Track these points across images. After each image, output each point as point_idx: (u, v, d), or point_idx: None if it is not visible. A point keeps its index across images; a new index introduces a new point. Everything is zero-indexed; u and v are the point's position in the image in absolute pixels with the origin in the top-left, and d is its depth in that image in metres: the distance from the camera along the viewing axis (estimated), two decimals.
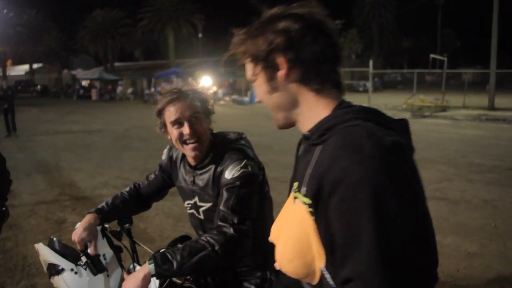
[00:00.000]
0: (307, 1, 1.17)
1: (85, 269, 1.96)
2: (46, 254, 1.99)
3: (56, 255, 1.98)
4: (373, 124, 1.04)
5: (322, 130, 1.10)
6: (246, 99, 29.83)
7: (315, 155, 1.08)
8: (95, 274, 1.95)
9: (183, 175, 2.09)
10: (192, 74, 35.22)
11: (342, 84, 1.18)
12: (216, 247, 1.70)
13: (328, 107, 1.14)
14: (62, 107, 28.94)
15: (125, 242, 2.21)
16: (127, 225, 2.14)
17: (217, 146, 1.97)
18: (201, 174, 1.98)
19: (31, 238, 5.19)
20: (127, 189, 2.29)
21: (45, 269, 2.02)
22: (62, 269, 1.92)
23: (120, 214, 2.19)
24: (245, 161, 1.86)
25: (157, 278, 1.71)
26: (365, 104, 1.18)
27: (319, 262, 1.04)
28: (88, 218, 2.04)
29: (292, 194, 1.23)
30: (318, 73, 1.14)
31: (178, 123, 1.90)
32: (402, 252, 0.90)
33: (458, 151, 10.73)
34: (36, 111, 24.42)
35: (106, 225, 2.14)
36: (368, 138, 0.97)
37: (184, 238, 2.13)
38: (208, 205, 1.99)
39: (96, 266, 1.96)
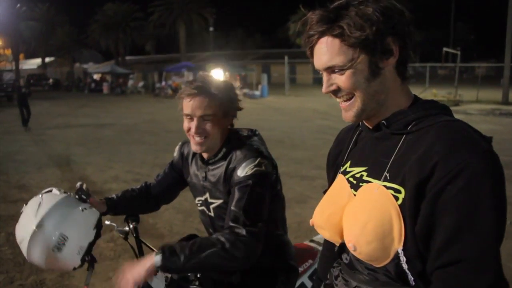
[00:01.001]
0: None
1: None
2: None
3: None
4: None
5: (407, 120, 1.14)
6: (257, 93, 29.73)
7: (401, 144, 1.12)
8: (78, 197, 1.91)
9: (195, 171, 2.04)
10: (203, 67, 35.27)
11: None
12: (227, 245, 1.65)
13: (409, 99, 1.19)
14: (74, 101, 29.08)
15: (131, 241, 2.16)
16: (134, 223, 2.09)
17: (230, 142, 1.91)
18: (213, 169, 1.93)
19: None
20: (138, 186, 2.25)
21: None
22: (50, 190, 1.87)
23: (128, 209, 2.14)
24: (258, 159, 1.80)
25: (162, 271, 1.65)
26: None
27: (398, 244, 1.08)
28: (94, 200, 1.98)
29: (343, 178, 1.28)
30: (407, 62, 1.17)
31: (189, 116, 1.86)
32: (502, 238, 1.01)
33: None
34: (48, 105, 24.57)
35: (108, 222, 2.08)
36: (476, 132, 1.06)
37: (192, 237, 2.08)
38: (219, 202, 1.93)
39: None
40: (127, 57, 58.50)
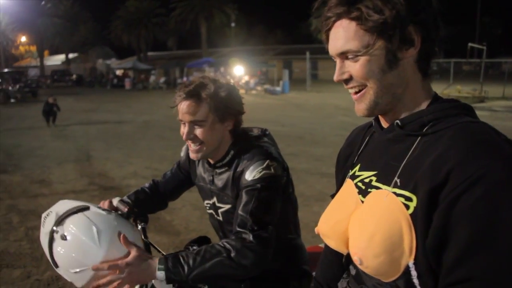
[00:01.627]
0: None
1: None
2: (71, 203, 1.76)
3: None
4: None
5: (423, 121, 1.03)
6: (278, 89, 29.60)
7: (415, 146, 1.01)
8: (124, 216, 1.77)
9: (202, 173, 1.97)
10: (225, 63, 35.32)
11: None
12: (232, 254, 1.56)
13: (428, 97, 1.08)
14: (96, 97, 29.41)
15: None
16: (142, 224, 2.03)
17: (238, 143, 1.82)
18: (220, 173, 1.85)
19: None
20: (147, 185, 2.18)
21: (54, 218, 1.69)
22: (87, 207, 1.69)
23: (141, 210, 2.09)
24: (267, 161, 1.70)
25: (166, 283, 1.59)
26: None
27: (408, 257, 0.97)
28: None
29: (351, 183, 1.18)
30: (430, 58, 1.06)
31: (182, 122, 1.78)
32: None
33: None
34: (71, 100, 24.88)
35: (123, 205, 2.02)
36: (499, 135, 0.95)
37: (202, 239, 2.01)
38: (227, 206, 1.85)
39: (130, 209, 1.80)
40: (149, 53, 59.00)
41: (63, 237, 1.59)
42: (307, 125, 13.88)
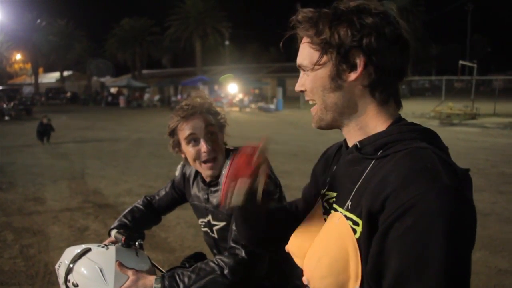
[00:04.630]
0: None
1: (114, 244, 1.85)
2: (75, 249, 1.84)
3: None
4: (438, 148, 0.99)
5: (379, 144, 1.02)
6: (272, 106, 29.76)
7: (368, 170, 1.01)
8: (124, 246, 1.83)
9: (196, 193, 2.02)
10: (219, 81, 35.48)
11: (401, 100, 1.12)
12: (225, 271, 1.63)
13: (387, 121, 1.07)
14: (91, 114, 29.42)
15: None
16: (139, 240, 2.08)
17: None
18: (215, 191, 1.91)
19: (54, 245, 5.22)
20: (141, 202, 2.24)
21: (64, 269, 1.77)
22: (89, 249, 1.77)
23: (140, 229, 2.14)
24: None
25: None
26: None
27: (354, 283, 0.97)
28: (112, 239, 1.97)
29: (320, 202, 1.18)
30: (390, 84, 1.06)
31: (193, 140, 1.84)
32: (463, 285, 0.87)
33: (488, 160, 10.43)
34: (65, 118, 24.87)
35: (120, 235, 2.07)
36: (443, 165, 0.92)
37: (198, 256, 2.06)
38: (222, 224, 1.91)
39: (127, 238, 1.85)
40: (144, 71, 59.16)
41: (75, 285, 1.68)
42: (300, 142, 13.96)
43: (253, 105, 32.74)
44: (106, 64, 55.64)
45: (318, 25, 1.04)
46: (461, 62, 25.14)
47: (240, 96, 33.89)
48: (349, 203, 1.01)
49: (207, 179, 1.95)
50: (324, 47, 1.04)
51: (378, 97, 1.05)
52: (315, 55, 1.06)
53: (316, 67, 1.06)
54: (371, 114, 1.07)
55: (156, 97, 40.67)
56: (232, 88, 34.18)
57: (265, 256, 1.70)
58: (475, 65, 25.76)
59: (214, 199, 1.91)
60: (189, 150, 1.85)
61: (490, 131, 17.07)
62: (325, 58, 1.05)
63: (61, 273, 1.75)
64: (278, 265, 1.91)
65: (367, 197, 0.94)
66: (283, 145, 12.78)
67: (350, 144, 1.13)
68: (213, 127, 1.84)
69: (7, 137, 16.77)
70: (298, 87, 1.15)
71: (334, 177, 1.18)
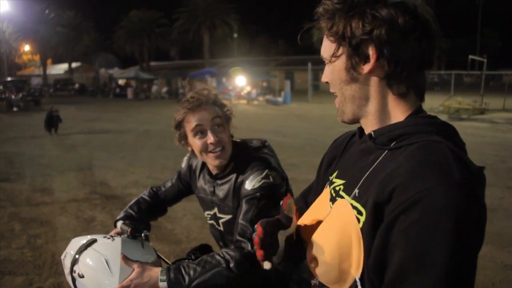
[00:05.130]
0: None
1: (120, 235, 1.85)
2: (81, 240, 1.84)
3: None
4: (453, 144, 0.96)
5: (393, 135, 1.01)
6: (280, 99, 29.69)
7: (379, 160, 1.00)
8: (130, 237, 1.82)
9: (203, 185, 2.01)
10: (227, 73, 35.47)
11: (424, 91, 1.08)
12: (231, 264, 1.62)
13: (405, 113, 1.05)
14: (99, 106, 29.53)
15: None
16: (145, 231, 2.07)
17: (238, 155, 1.87)
18: (221, 184, 1.90)
19: (61, 235, 5.24)
20: (147, 193, 2.24)
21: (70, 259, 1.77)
22: (95, 240, 1.77)
23: (146, 220, 2.13)
24: (266, 171, 1.76)
25: None
26: None
27: (355, 272, 0.96)
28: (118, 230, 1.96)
29: (328, 189, 1.17)
30: (408, 77, 1.02)
31: (200, 132, 1.82)
32: (466, 285, 0.85)
33: (497, 156, 10.35)
34: (73, 110, 24.99)
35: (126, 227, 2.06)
36: (456, 160, 0.90)
37: (204, 248, 2.05)
38: (228, 217, 1.90)
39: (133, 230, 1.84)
40: (152, 63, 59.23)
41: (81, 276, 1.69)
42: (308, 135, 13.92)
43: (260, 98, 32.66)
44: (112, 58, 55.80)
45: (335, 18, 1.04)
46: (471, 56, 24.89)
47: (248, 88, 33.83)
48: (356, 191, 1.00)
49: (214, 171, 1.93)
50: (338, 40, 1.04)
51: (396, 89, 1.03)
52: (332, 47, 1.06)
53: (333, 59, 1.07)
54: (389, 106, 1.06)
55: (164, 89, 40.70)
56: (240, 81, 34.13)
57: None
58: (485, 60, 25.52)
59: (220, 192, 1.90)
60: (196, 142, 1.84)
61: (499, 126, 16.93)
62: (340, 50, 1.05)
63: (66, 263, 1.75)
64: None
65: (375, 187, 0.94)
66: (290, 138, 12.76)
67: (366, 133, 1.13)
68: (220, 119, 1.83)
69: (15, 128, 16.89)
70: (323, 79, 1.16)
71: (343, 165, 1.19)
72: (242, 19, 54.21)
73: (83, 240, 1.78)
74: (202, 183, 2.02)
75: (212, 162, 1.87)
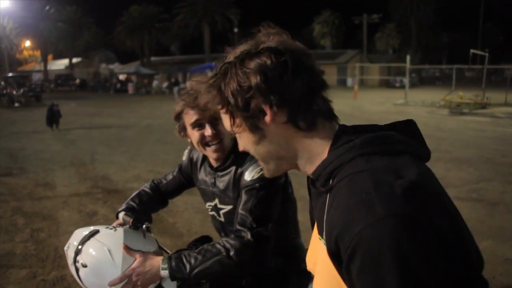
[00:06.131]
0: (269, 28, 1.05)
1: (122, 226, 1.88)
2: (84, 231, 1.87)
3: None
4: (380, 160, 0.91)
5: (326, 175, 0.97)
6: None
7: (327, 206, 0.94)
8: (132, 228, 1.85)
9: (204, 177, 2.04)
10: None
11: (333, 110, 1.05)
12: (231, 252, 1.65)
13: (327, 143, 1.00)
14: (100, 101, 29.54)
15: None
16: (146, 223, 2.11)
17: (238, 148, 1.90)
18: (222, 176, 1.93)
19: (63, 229, 5.28)
20: (148, 186, 2.26)
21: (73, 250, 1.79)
22: (98, 231, 1.79)
23: (147, 212, 2.17)
24: None
25: (171, 280, 1.69)
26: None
27: None
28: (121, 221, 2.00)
29: (316, 230, 1.11)
30: (307, 109, 0.99)
31: (198, 125, 1.85)
32: None
33: (498, 150, 10.35)
34: (74, 105, 25.02)
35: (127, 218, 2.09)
36: (376, 190, 0.84)
37: (204, 239, 2.09)
38: (229, 207, 1.93)
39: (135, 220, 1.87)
40: (152, 58, 59.16)
41: (84, 265, 1.72)
42: None
43: None
44: (112, 55, 55.75)
45: (213, 92, 1.03)
46: (472, 51, 24.85)
47: None
48: (324, 235, 0.94)
49: (214, 164, 1.96)
50: (228, 110, 1.03)
51: (303, 125, 0.99)
52: (227, 118, 1.05)
53: (236, 129, 1.05)
54: (307, 144, 1.02)
55: (165, 84, 40.67)
56: None
57: (270, 238, 1.72)
58: (486, 54, 25.47)
59: (221, 184, 1.92)
60: (194, 134, 1.86)
61: (500, 120, 16.92)
62: (236, 118, 1.03)
63: (70, 254, 1.78)
64: (284, 249, 1.93)
65: (328, 232, 0.91)
66: None
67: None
68: (217, 112, 1.84)
69: (17, 123, 16.93)
70: (241, 149, 1.13)
71: (313, 206, 1.14)
72: (242, 13, 54.14)
73: (85, 231, 1.81)
74: (203, 175, 2.05)
75: (210, 155, 1.90)
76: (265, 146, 1.04)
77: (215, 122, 1.83)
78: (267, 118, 0.99)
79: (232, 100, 0.99)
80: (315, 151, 1.02)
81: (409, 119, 1.06)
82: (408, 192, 0.83)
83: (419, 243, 0.79)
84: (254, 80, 0.96)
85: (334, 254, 0.88)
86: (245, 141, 1.08)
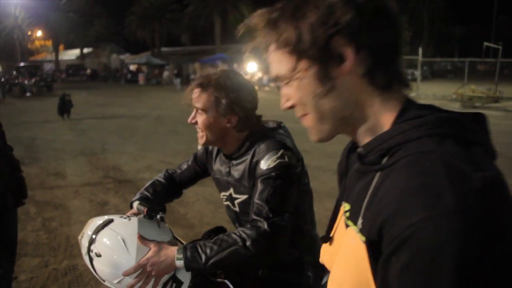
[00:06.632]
0: None
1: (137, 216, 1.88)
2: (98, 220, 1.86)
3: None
4: (454, 145, 0.76)
5: (382, 149, 0.83)
6: None
7: (374, 183, 0.82)
8: (146, 217, 1.84)
9: (219, 166, 2.02)
10: (238, 59, 35.36)
11: (407, 80, 0.89)
12: (248, 243, 1.62)
13: (393, 113, 0.86)
14: (110, 91, 29.62)
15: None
16: (160, 213, 2.09)
17: (254, 135, 1.87)
18: (236, 164, 1.90)
19: (75, 219, 5.31)
20: (162, 175, 2.25)
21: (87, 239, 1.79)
22: (112, 220, 1.78)
23: (161, 202, 2.15)
24: (282, 151, 1.75)
25: (186, 271, 1.68)
26: (412, 94, 0.90)
27: None
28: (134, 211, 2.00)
29: (342, 211, 0.99)
30: (388, 65, 0.85)
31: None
32: None
33: (511, 144, 10.24)
34: (85, 95, 25.10)
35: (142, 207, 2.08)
36: (448, 177, 0.69)
37: (218, 230, 2.07)
38: (244, 197, 1.90)
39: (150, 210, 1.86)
40: (163, 49, 59.17)
41: (98, 255, 1.71)
42: None
43: (272, 84, 32.53)
44: (121, 49, 55.95)
45: (280, 25, 0.86)
46: (486, 44, 24.54)
47: (259, 75, 33.71)
48: (360, 221, 0.83)
49: (227, 151, 1.95)
50: (297, 48, 0.85)
51: (380, 83, 0.85)
52: (289, 61, 0.87)
53: (297, 74, 0.87)
54: (375, 108, 0.87)
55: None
56: (251, 67, 34.01)
57: (287, 228, 1.70)
58: (500, 47, 25.13)
59: (236, 172, 1.90)
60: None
61: None
62: (303, 60, 0.86)
63: (84, 243, 1.78)
64: (299, 240, 1.91)
65: (368, 215, 0.80)
66: (300, 123, 12.68)
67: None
68: (205, 110, 1.81)
69: (28, 112, 17.04)
70: (284, 104, 0.94)
71: (347, 186, 0.99)
72: (253, 5, 53.83)
73: (99, 220, 1.80)
74: (218, 164, 2.03)
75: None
76: (331, 101, 0.87)
77: (199, 112, 1.83)
78: (345, 65, 0.83)
79: (306, 37, 0.83)
80: (380, 119, 0.87)
81: (479, 112, 0.87)
82: (488, 188, 0.69)
83: (490, 253, 0.65)
84: (344, 15, 0.80)
85: (373, 243, 0.76)
86: (304, 92, 0.88)
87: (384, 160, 0.82)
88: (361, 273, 0.80)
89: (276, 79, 0.93)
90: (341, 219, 0.99)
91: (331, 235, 1.04)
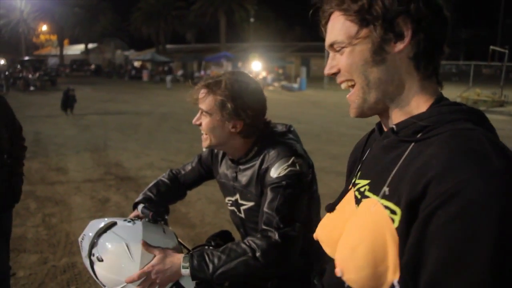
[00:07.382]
0: None
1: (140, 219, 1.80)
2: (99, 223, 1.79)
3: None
4: (486, 130, 0.88)
5: (418, 126, 0.92)
6: (295, 85, 29.50)
7: (406, 154, 0.90)
8: (151, 222, 1.77)
9: (225, 170, 1.94)
10: (243, 58, 35.33)
11: (441, 79, 1.01)
12: (258, 253, 1.55)
13: (429, 100, 0.96)
14: (114, 87, 29.59)
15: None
16: (166, 217, 2.03)
17: (262, 140, 1.79)
18: (244, 170, 1.82)
19: (75, 215, 5.27)
20: (166, 176, 2.18)
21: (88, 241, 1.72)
22: (115, 223, 1.71)
23: (165, 203, 2.09)
24: (293, 158, 1.67)
25: (192, 280, 1.61)
26: None
27: (393, 275, 0.87)
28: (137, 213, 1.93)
29: (352, 191, 1.08)
30: (433, 58, 0.96)
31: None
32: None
33: None
34: (89, 90, 25.09)
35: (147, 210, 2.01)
36: (493, 147, 0.80)
37: (223, 234, 2.00)
38: (250, 204, 1.82)
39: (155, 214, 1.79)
40: (168, 46, 59.19)
41: (100, 259, 1.64)
42: (323, 123, 13.82)
43: (276, 84, 32.50)
44: (125, 45, 56.02)
45: None
46: (492, 47, 24.42)
47: (264, 74, 33.67)
48: (385, 189, 0.91)
49: (234, 156, 1.88)
50: (363, 17, 0.93)
51: (422, 70, 0.96)
52: (353, 27, 0.95)
53: (355, 40, 0.95)
54: (414, 91, 0.97)
55: (179, 72, 40.68)
56: (256, 66, 33.97)
57: (298, 239, 1.63)
58: (506, 51, 25.00)
59: (243, 178, 1.82)
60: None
61: None
62: (365, 29, 0.94)
63: (84, 246, 1.70)
64: (307, 248, 1.84)
65: (406, 182, 0.84)
66: (305, 124, 12.64)
67: (386, 128, 1.03)
68: (209, 114, 1.74)
69: (32, 107, 17.02)
70: (328, 70, 1.03)
71: (366, 165, 1.09)
72: (259, 3, 53.77)
73: (101, 222, 1.73)
74: (224, 168, 1.95)
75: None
76: (379, 72, 0.96)
77: (204, 114, 1.76)
78: (399, 45, 0.93)
79: (379, 7, 0.92)
80: (415, 102, 0.97)
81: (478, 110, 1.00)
82: None
83: None
84: (416, 2, 0.91)
85: (412, 201, 0.81)
86: (356, 59, 0.97)
87: (419, 135, 0.91)
88: (379, 237, 0.88)
89: (331, 45, 1.01)
90: (350, 195, 1.08)
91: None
